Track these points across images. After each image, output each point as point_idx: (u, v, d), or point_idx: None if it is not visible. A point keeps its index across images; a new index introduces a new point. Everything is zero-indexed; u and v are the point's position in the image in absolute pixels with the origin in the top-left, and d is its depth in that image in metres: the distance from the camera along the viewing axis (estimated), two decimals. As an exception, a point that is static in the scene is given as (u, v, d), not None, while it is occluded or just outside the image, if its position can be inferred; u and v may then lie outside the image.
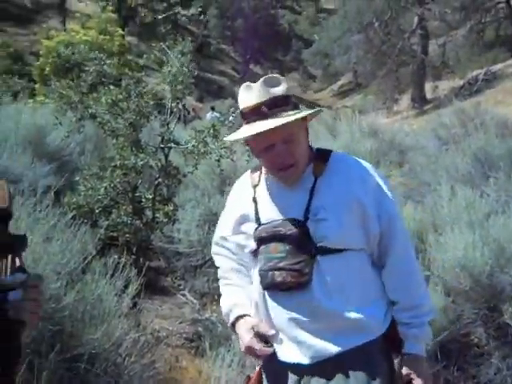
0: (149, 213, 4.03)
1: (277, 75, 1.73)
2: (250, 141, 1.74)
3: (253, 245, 1.74)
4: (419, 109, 21.26)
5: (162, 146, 3.82)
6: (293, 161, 1.67)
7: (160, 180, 3.84)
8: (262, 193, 1.77)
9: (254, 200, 1.76)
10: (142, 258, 3.86)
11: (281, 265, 1.67)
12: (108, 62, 3.95)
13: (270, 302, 1.72)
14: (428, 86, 23.03)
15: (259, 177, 1.82)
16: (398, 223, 1.76)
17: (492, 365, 3.23)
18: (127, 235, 3.78)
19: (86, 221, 3.50)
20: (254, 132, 1.62)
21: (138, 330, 3.24)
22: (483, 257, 3.43)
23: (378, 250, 1.75)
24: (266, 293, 1.72)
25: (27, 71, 13.34)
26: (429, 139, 9.35)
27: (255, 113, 1.65)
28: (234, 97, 32.87)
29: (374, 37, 23.78)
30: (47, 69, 11.08)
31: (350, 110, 17.27)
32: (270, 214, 1.73)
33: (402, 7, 23.10)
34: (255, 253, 1.75)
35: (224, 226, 1.88)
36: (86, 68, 3.76)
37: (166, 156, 3.90)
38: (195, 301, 4.26)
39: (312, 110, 1.74)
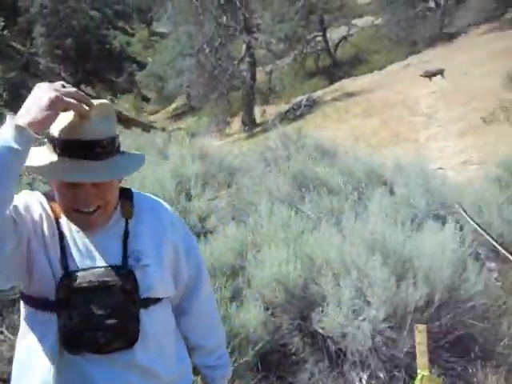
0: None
1: (106, 102, 1.44)
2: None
3: (51, 294, 1.38)
4: (249, 132, 22.31)
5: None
6: (101, 203, 1.41)
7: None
8: (67, 231, 1.44)
9: (61, 237, 1.42)
10: None
11: (108, 323, 1.39)
12: None
13: (76, 367, 1.41)
14: (257, 110, 24.31)
15: (59, 209, 1.45)
16: (204, 267, 1.70)
17: (306, 370, 3.49)
18: None
19: None
20: (79, 180, 1.34)
21: None
22: (296, 271, 3.70)
23: (181, 297, 1.66)
24: (69, 357, 1.40)
25: None
26: (256, 161, 9.87)
27: (82, 149, 1.33)
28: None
29: (205, 62, 24.51)
30: None
31: (183, 132, 17.51)
32: (81, 259, 1.42)
33: (230, 35, 24.16)
34: (57, 307, 1.39)
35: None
36: None
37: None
38: (13, 337, 3.98)
39: (138, 163, 1.47)
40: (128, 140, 9.81)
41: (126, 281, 1.41)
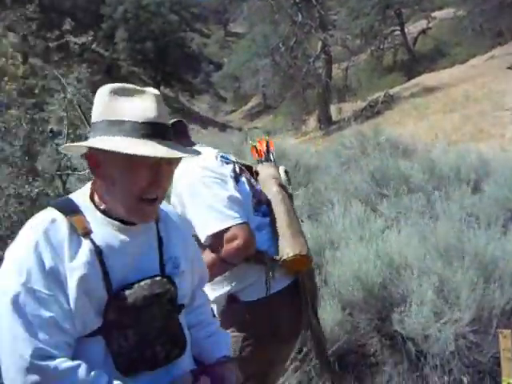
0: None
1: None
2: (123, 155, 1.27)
3: (97, 320, 1.28)
4: (325, 130, 22.13)
5: (58, 172, 3.76)
6: (160, 193, 1.37)
7: (58, 208, 3.75)
8: (102, 244, 1.31)
9: (99, 255, 1.29)
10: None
11: (164, 335, 1.37)
12: (7, 87, 3.88)
13: None
14: (333, 108, 24.06)
15: (86, 221, 1.32)
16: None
17: (385, 372, 3.43)
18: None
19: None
20: (167, 155, 1.30)
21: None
22: (375, 269, 3.65)
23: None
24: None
25: None
26: (332, 159, 9.79)
27: (158, 130, 1.32)
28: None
29: (280, 61, 24.56)
30: None
31: (259, 131, 17.67)
32: (122, 273, 1.32)
33: (306, 33, 24.05)
34: (105, 331, 1.29)
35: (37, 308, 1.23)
36: (-24, 97, 3.66)
37: (64, 183, 3.85)
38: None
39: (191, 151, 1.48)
40: (206, 139, 10.02)
41: (172, 290, 1.40)
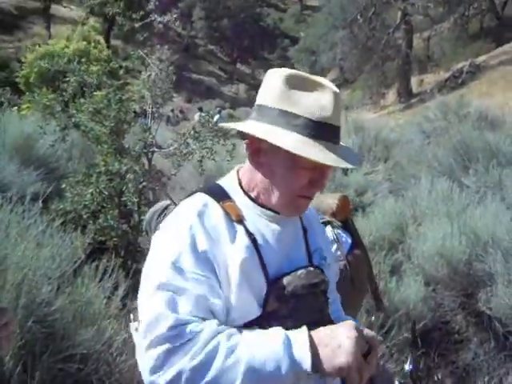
0: (135, 216, 4.12)
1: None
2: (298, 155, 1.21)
3: (255, 309, 1.22)
4: (406, 103, 21.45)
5: (144, 150, 3.92)
6: (320, 189, 1.33)
7: (144, 184, 3.94)
8: (255, 231, 1.28)
9: (254, 242, 1.26)
10: (130, 260, 3.94)
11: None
12: (90, 68, 4.09)
13: None
14: (414, 80, 23.24)
15: (237, 208, 1.30)
16: None
17: (470, 350, 3.36)
18: (114, 239, 3.86)
19: (75, 226, 3.58)
20: (338, 165, 1.23)
21: (128, 330, 3.33)
22: (460, 246, 3.55)
23: None
24: None
25: (14, 79, 13.31)
26: (414, 133, 9.51)
27: (333, 133, 1.26)
28: (222, 97, 32.93)
29: (358, 33, 23.94)
30: (32, 77, 11.07)
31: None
32: (277, 262, 1.28)
33: (385, 3, 23.25)
34: (262, 321, 1.22)
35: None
36: (67, 79, 3.86)
37: (150, 160, 4.01)
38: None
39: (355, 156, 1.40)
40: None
41: (326, 280, 1.34)
